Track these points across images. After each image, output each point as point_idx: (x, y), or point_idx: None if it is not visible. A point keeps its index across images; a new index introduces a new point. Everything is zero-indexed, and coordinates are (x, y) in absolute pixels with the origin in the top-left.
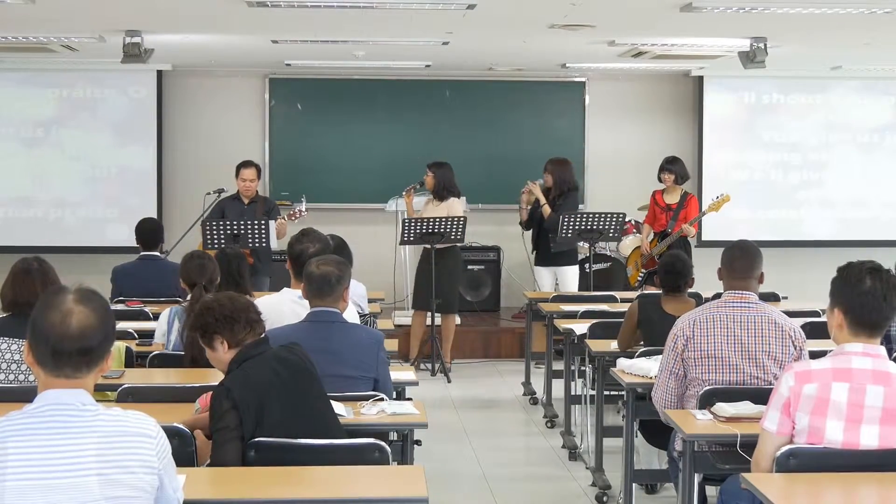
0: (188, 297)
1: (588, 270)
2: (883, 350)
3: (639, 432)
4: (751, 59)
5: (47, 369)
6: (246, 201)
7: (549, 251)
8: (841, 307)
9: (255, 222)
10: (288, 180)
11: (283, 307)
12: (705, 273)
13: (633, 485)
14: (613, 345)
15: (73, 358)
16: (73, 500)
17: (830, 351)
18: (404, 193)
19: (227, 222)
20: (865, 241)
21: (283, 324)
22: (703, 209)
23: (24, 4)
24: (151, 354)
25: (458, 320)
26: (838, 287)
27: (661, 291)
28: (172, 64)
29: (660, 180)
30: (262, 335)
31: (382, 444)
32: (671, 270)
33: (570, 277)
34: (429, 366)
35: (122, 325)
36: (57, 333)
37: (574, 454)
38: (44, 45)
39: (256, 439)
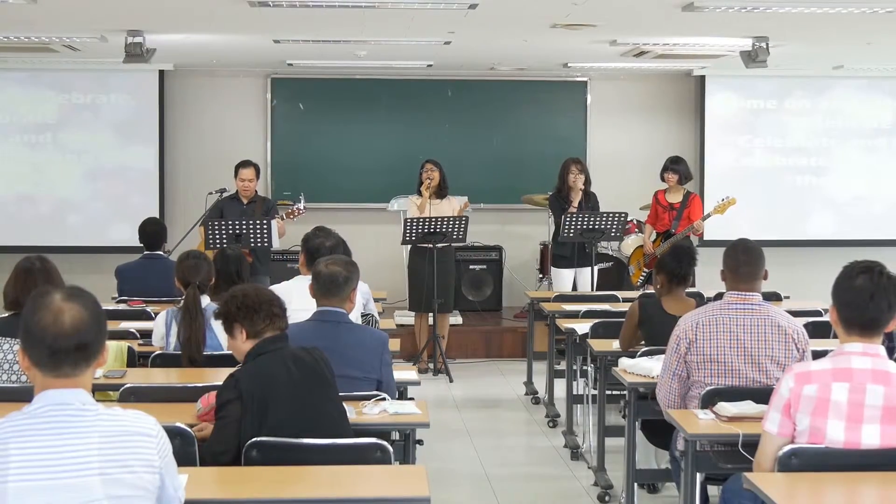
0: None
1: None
2: (882, 349)
3: (640, 432)
4: (753, 58)
5: (46, 371)
6: (245, 201)
7: (572, 252)
8: (834, 304)
9: (258, 222)
10: (290, 180)
11: (291, 291)
12: (708, 272)
13: (635, 484)
14: (615, 344)
15: (70, 355)
16: (76, 499)
17: (832, 351)
18: (423, 192)
19: (230, 222)
20: (868, 240)
21: (291, 304)
22: (707, 211)
23: (25, 4)
24: (153, 354)
25: (460, 319)
26: (834, 284)
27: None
28: (174, 64)
29: (663, 180)
30: (283, 331)
31: (384, 443)
32: (676, 256)
33: (589, 278)
34: (430, 365)
35: (124, 325)
36: (52, 333)
37: (576, 454)
38: (46, 45)
39: (258, 439)
